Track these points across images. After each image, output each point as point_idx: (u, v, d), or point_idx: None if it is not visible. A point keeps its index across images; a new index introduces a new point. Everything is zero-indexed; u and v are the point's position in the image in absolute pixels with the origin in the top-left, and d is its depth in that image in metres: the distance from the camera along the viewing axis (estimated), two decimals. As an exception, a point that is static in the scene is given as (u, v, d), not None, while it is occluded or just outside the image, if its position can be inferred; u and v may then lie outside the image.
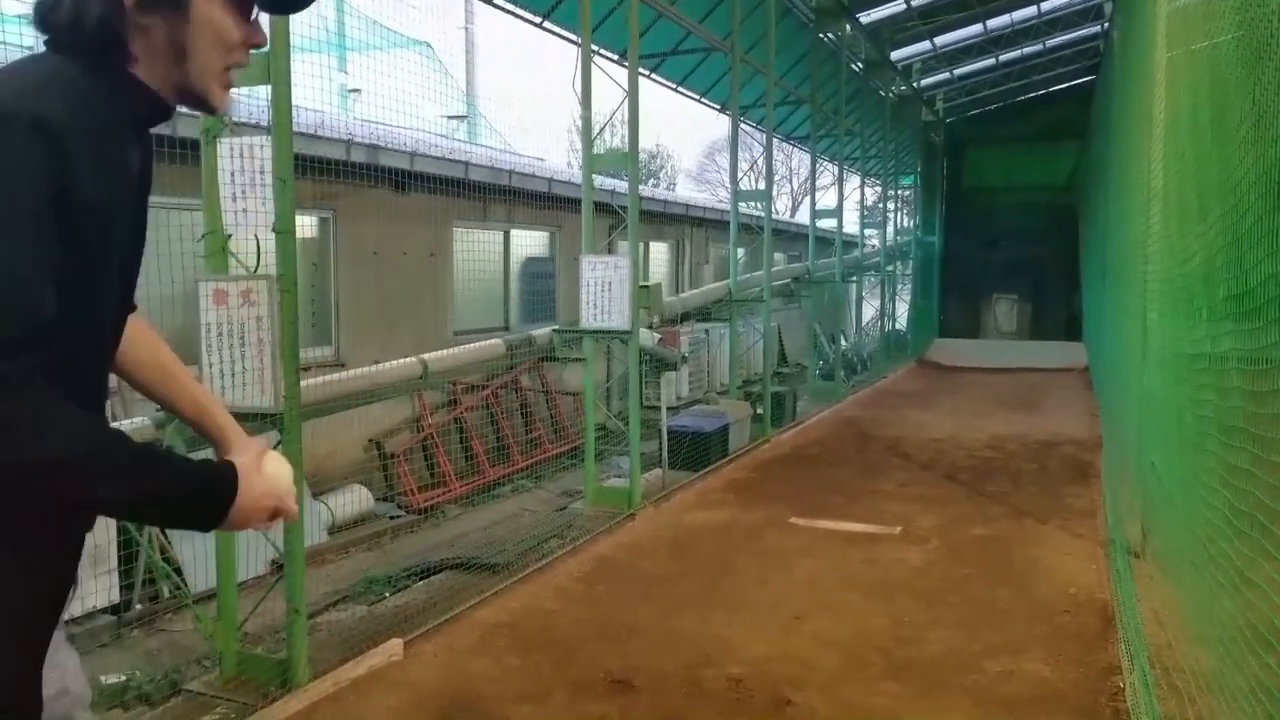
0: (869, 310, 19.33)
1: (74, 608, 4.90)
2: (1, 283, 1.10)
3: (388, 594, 5.41)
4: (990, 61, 18.18)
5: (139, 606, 5.31)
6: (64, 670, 1.43)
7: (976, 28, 16.05)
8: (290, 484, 1.46)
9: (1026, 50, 17.61)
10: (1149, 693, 3.40)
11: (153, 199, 1.48)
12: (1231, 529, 2.27)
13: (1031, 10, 15.45)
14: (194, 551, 5.31)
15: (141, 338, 1.57)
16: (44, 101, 1.17)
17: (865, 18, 14.23)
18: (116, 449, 1.21)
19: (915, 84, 17.97)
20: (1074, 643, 4.22)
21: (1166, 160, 4.46)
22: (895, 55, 16.36)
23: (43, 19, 1.28)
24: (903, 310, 20.59)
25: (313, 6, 1.54)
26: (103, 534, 5.13)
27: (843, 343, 16.06)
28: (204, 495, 1.31)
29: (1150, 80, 4.89)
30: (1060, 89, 19.95)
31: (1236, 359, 2.40)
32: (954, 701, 3.68)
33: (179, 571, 5.37)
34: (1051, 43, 17.23)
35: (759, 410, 9.78)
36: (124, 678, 4.21)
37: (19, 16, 4.33)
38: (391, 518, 7.51)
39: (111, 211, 1.27)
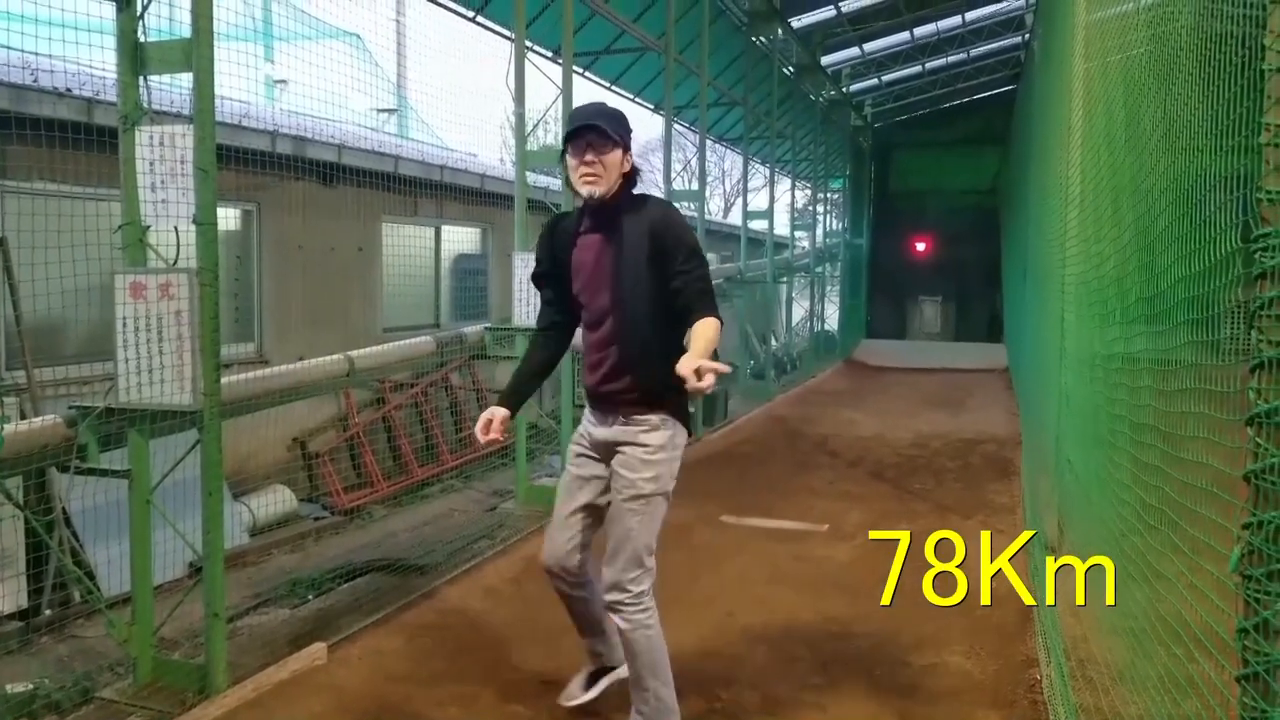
0: (799, 310, 19.57)
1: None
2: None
3: (311, 597, 5.29)
4: (917, 68, 18.59)
5: (49, 611, 5.10)
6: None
7: (904, 35, 16.41)
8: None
9: (952, 58, 18.06)
10: (1065, 684, 3.51)
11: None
12: (1142, 524, 2.35)
13: (956, 20, 15.85)
14: (108, 554, 5.12)
15: None
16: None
17: (797, 22, 14.43)
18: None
19: (845, 89, 18.27)
20: (994, 636, 4.34)
21: (1083, 166, 4.60)
22: (826, 60, 16.62)
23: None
24: (832, 311, 20.92)
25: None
26: (10, 536, 4.92)
27: (773, 342, 16.24)
28: None
29: (1068, 89, 5.04)
30: (984, 96, 20.50)
31: (1147, 359, 2.49)
32: (880, 694, 3.75)
33: (91, 575, 5.17)
34: (976, 52, 17.70)
35: (690, 409, 9.81)
36: (32, 686, 4.04)
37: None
38: (315, 519, 7.35)
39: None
